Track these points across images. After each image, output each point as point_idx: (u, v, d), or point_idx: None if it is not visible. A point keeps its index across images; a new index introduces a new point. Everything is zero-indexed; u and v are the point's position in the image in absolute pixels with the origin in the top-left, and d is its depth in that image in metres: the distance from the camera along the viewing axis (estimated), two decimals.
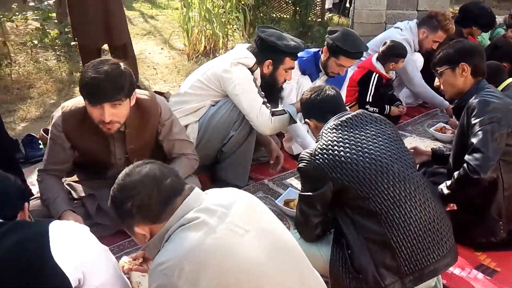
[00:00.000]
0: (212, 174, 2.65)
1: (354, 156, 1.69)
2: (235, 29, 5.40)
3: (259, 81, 2.50)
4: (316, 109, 1.91)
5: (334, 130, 1.79)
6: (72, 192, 2.13)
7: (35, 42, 4.47)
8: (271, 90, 2.57)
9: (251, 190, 2.60)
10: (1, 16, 4.38)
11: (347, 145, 1.72)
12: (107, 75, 1.79)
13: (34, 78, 4.20)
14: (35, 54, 4.67)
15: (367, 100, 3.38)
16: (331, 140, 1.74)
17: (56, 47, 4.67)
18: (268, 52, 2.44)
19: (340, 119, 1.80)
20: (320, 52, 2.92)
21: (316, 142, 1.79)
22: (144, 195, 1.30)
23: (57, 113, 2.02)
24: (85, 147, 2.06)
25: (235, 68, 2.39)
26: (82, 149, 2.08)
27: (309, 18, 6.25)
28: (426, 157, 2.52)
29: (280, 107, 2.62)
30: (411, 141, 3.28)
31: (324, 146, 1.75)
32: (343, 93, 3.19)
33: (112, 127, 1.89)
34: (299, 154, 1.82)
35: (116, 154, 2.09)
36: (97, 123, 1.88)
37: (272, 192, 2.61)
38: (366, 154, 1.69)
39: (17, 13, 4.56)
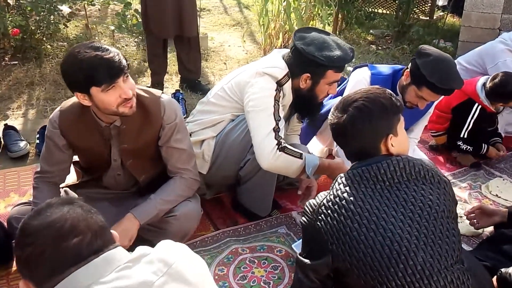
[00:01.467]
0: (234, 196, 2.30)
1: (364, 229, 1.22)
2: (323, 26, 4.91)
3: (288, 97, 2.07)
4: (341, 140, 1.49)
5: (350, 181, 1.34)
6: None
7: (112, 28, 4.46)
8: (309, 107, 2.13)
9: (273, 223, 2.21)
10: (84, 0, 4.45)
11: (358, 210, 1.26)
12: (104, 50, 1.60)
13: None
14: (118, 39, 4.71)
15: (462, 135, 2.73)
16: (340, 197, 1.30)
17: (134, 34, 4.64)
18: (305, 64, 1.99)
19: (363, 167, 1.34)
20: (401, 73, 2.33)
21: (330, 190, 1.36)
22: (35, 250, 0.99)
23: (55, 110, 1.86)
24: (82, 145, 1.86)
25: (259, 80, 2.00)
26: (78, 147, 1.87)
27: (412, 16, 5.47)
28: (499, 218, 1.89)
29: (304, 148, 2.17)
30: (498, 184, 2.58)
31: (331, 200, 1.31)
32: (418, 128, 2.59)
33: (133, 103, 1.70)
34: None
35: (112, 154, 1.87)
36: (115, 108, 1.66)
37: (296, 230, 2.17)
38: (383, 231, 1.21)
39: None
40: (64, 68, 1.64)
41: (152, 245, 1.04)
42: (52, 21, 4.18)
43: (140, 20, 4.35)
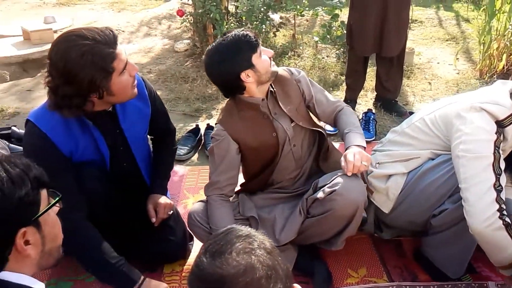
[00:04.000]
0: (419, 245, 1.98)
1: None
2: None
3: (510, 144, 1.65)
4: None
5: None
6: (241, 207, 1.97)
7: (316, 39, 4.47)
8: None
9: None
10: (294, 10, 4.56)
11: None
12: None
13: (307, 72, 4.24)
14: (320, 50, 4.72)
15: None
16: None
17: (337, 46, 4.57)
18: None
19: None
20: None
21: None
22: None
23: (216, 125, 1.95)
24: (251, 141, 1.88)
25: (474, 116, 1.64)
26: (247, 145, 1.89)
27: None
28: None
29: None
30: None
31: None
32: None
33: None
34: None
35: (282, 125, 1.90)
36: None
37: None
38: None
39: (307, 8, 4.66)
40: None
41: None
42: (263, 30, 4.40)
43: (345, 32, 4.26)
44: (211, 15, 4.10)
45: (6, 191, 0.94)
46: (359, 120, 3.19)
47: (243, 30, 1.81)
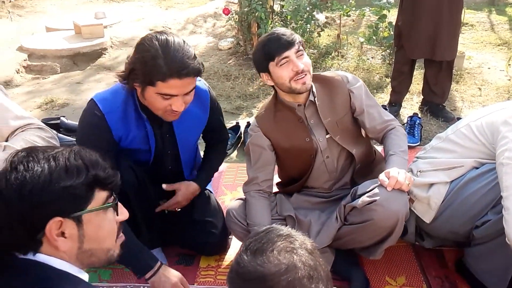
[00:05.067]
0: (461, 256, 1.91)
1: None
2: None
3: None
4: None
5: None
6: (278, 207, 1.95)
7: (361, 40, 4.39)
8: None
9: None
10: (340, 10, 4.50)
11: None
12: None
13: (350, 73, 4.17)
14: (365, 51, 4.64)
15: None
16: None
17: (383, 47, 4.47)
18: None
19: None
20: None
21: None
22: None
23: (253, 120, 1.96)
24: (284, 142, 1.88)
25: None
26: (280, 145, 1.89)
27: None
28: None
29: None
30: None
31: None
32: None
33: (306, 79, 1.78)
34: None
35: (316, 136, 1.86)
36: (288, 83, 1.77)
37: None
38: None
39: (354, 8, 4.58)
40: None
41: None
42: (308, 30, 4.37)
43: (392, 33, 4.16)
44: (256, 14, 4.11)
45: (54, 176, 0.95)
46: (404, 124, 3.11)
47: (282, 32, 1.75)
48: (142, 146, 1.81)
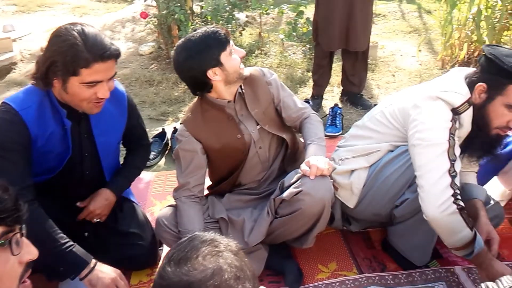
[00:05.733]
0: (386, 235, 2.01)
1: None
2: None
3: (466, 130, 1.68)
4: None
5: None
6: (210, 209, 1.94)
7: (282, 37, 4.48)
8: (484, 140, 1.71)
9: (430, 277, 1.87)
10: (259, 9, 4.55)
11: None
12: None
13: (274, 70, 4.24)
14: (286, 47, 4.73)
15: None
16: None
17: (303, 43, 4.58)
18: (488, 73, 1.62)
19: None
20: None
21: None
22: None
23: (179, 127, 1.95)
24: (214, 142, 1.87)
25: (430, 105, 1.67)
26: (211, 146, 1.88)
27: None
28: None
29: None
30: None
31: None
32: None
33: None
34: None
35: (247, 129, 1.89)
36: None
37: None
38: None
39: (272, 6, 4.66)
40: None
41: None
42: (229, 29, 4.38)
43: (310, 28, 4.28)
44: (176, 16, 4.05)
45: None
46: (326, 115, 3.21)
47: (214, 26, 1.78)
48: (58, 147, 1.71)
